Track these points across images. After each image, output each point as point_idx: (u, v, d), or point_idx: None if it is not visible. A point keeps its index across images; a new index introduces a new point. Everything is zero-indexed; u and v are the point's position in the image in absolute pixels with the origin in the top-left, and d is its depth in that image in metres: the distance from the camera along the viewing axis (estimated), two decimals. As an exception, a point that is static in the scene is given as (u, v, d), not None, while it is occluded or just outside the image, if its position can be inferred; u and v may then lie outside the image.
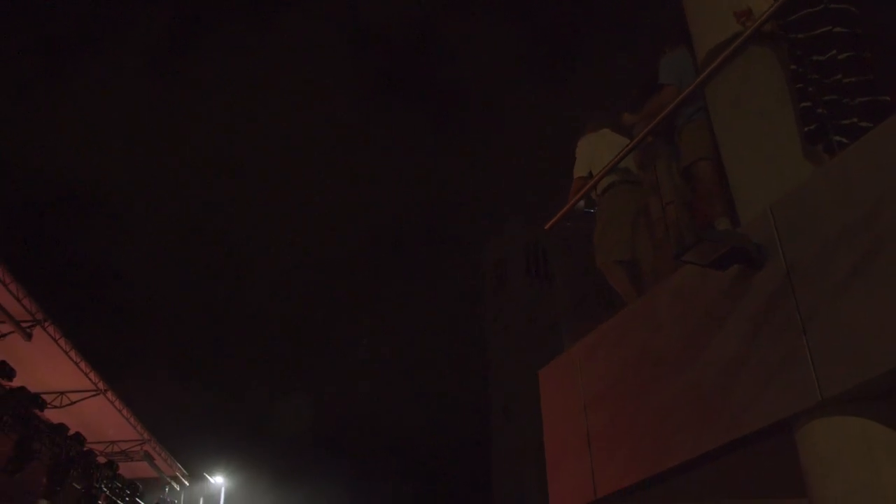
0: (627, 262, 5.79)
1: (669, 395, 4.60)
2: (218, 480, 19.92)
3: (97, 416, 15.69)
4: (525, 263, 59.26)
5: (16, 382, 12.53)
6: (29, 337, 12.43)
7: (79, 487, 15.48)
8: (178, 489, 19.85)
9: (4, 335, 12.32)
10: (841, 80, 4.36)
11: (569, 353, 5.68)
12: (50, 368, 13.89)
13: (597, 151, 6.14)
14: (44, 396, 13.39)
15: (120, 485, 16.65)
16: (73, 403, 14.95)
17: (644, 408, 4.78)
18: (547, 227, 6.27)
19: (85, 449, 15.07)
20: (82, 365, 14.03)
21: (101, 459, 16.15)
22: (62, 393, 14.83)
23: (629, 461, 4.80)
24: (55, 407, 14.64)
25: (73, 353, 13.67)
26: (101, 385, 14.81)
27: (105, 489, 16.08)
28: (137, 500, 17.40)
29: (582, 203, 6.23)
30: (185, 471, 19.36)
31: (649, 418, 4.72)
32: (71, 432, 14.50)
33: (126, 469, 17.12)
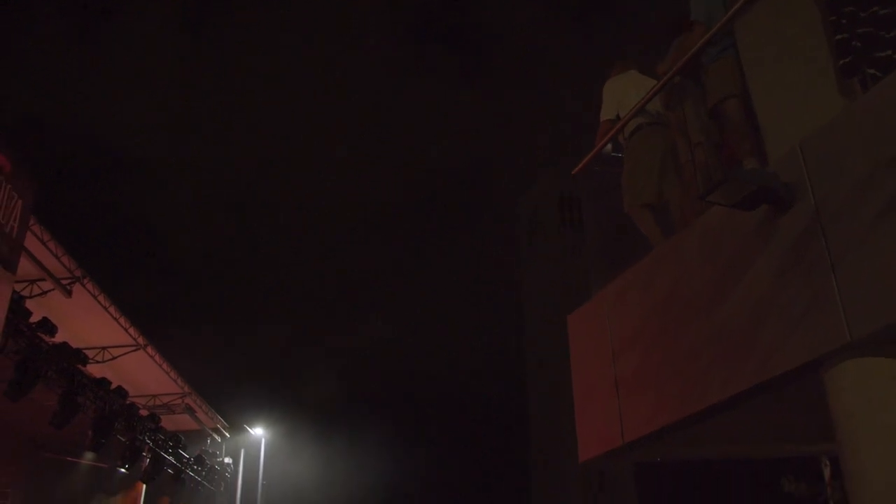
0: (655, 206, 5.70)
1: (697, 338, 4.55)
2: (258, 432, 20.28)
3: (138, 371, 15.97)
4: (559, 214, 59.00)
5: (58, 338, 12.79)
6: (69, 294, 12.61)
7: (123, 440, 15.88)
8: (220, 440, 20.27)
9: (45, 292, 12.52)
10: (877, 11, 4.21)
11: (597, 298, 5.64)
12: (90, 324, 14.11)
13: (624, 93, 6.01)
14: (85, 352, 13.68)
15: (163, 437, 17.05)
16: (114, 358, 15.20)
17: (672, 352, 4.74)
18: (574, 172, 6.19)
19: (127, 402, 15.42)
20: (122, 320, 14.23)
21: (144, 412, 16.52)
22: (103, 348, 15.08)
23: (657, 406, 4.78)
24: (97, 362, 14.92)
25: (112, 309, 13.86)
26: (140, 340, 15.03)
27: (149, 441, 16.48)
28: (180, 451, 17.82)
29: (609, 147, 6.12)
30: (225, 423, 19.73)
31: (677, 362, 4.68)
32: (113, 386, 14.84)
33: (168, 422, 17.49)
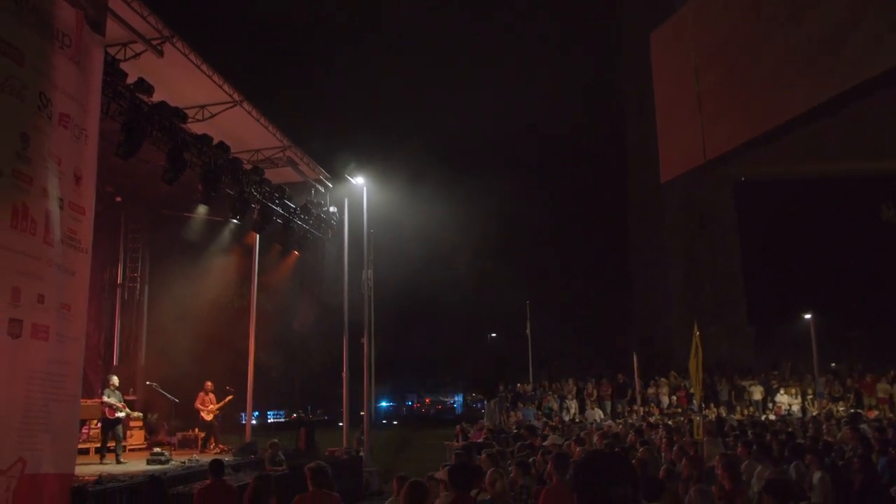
0: None
1: (784, 47, 4.31)
2: (359, 181, 20.76)
3: (238, 127, 16.34)
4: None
5: (155, 99, 13.18)
6: (160, 53, 12.76)
7: (232, 193, 16.73)
8: (323, 191, 21.02)
9: (138, 54, 12.71)
10: None
11: (679, 13, 5.35)
12: (186, 83, 14.36)
13: None
14: (184, 110, 14.08)
15: (269, 188, 17.85)
16: (213, 116, 15.59)
17: (757, 63, 4.52)
18: None
19: (231, 157, 16.06)
20: (216, 77, 14.41)
21: (247, 167, 17.20)
22: (201, 106, 15.43)
23: (740, 120, 4.65)
24: (197, 120, 15.37)
25: (205, 67, 14.02)
26: (236, 96, 15.26)
27: (256, 193, 17.31)
28: (286, 201, 18.69)
29: None
30: (327, 174, 20.30)
31: (762, 74, 4.48)
32: (215, 142, 15.40)
33: (272, 175, 18.18)
